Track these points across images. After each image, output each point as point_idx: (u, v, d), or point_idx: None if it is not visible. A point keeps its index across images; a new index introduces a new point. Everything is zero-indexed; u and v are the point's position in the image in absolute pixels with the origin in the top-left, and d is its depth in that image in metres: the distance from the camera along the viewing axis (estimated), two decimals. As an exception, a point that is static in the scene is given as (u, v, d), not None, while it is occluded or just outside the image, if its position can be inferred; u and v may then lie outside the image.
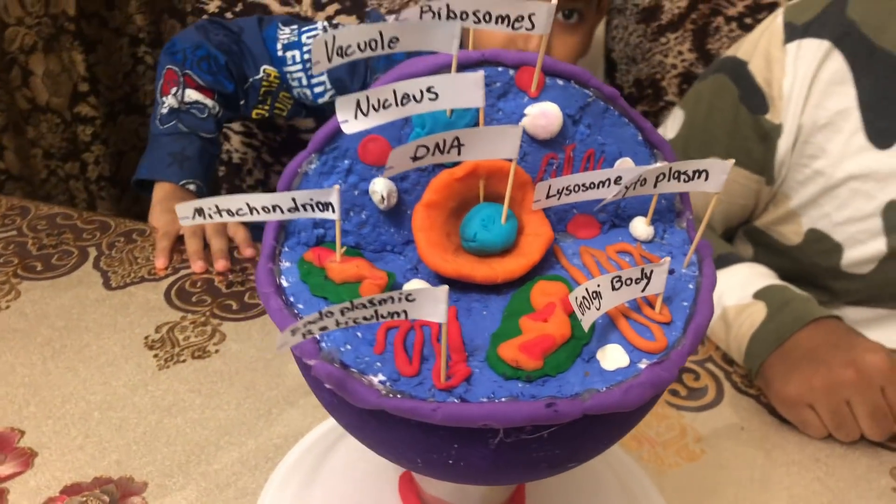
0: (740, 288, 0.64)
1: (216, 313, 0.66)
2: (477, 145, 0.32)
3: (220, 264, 0.71)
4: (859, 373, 0.55)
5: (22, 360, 0.60)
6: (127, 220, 0.79)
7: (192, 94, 0.86)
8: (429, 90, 0.32)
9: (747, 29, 0.99)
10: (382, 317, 0.29)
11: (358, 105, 0.31)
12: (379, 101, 0.31)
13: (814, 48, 0.67)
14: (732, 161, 0.33)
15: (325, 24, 0.90)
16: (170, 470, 0.51)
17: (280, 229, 0.37)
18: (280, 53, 0.88)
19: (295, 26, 0.89)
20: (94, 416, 0.55)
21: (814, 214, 0.72)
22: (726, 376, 0.63)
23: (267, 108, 0.91)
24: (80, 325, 0.64)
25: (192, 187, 0.83)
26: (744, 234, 0.81)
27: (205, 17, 0.97)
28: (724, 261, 0.68)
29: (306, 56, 0.87)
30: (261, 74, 0.89)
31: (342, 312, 0.29)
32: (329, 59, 0.31)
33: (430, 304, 0.29)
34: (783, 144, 0.70)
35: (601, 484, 0.51)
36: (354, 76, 0.87)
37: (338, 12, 1.01)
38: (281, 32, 0.89)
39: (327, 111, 0.93)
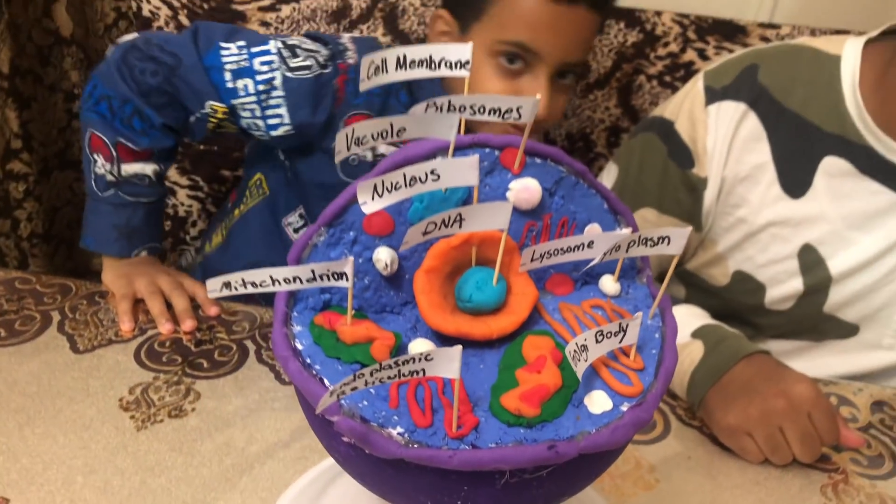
0: (678, 328, 0.70)
1: (188, 372, 0.67)
2: (475, 219, 0.37)
3: (188, 324, 0.72)
4: (789, 402, 0.61)
5: (-3, 427, 0.60)
6: (87, 282, 0.79)
7: (128, 169, 0.81)
8: (432, 172, 0.36)
9: (666, 86, 1.09)
10: (404, 375, 0.33)
11: (375, 188, 0.35)
12: (392, 184, 0.35)
13: (732, 110, 0.76)
14: (690, 228, 0.39)
15: (279, 44, 0.82)
16: (160, 529, 0.52)
17: (290, 296, 0.40)
18: (230, 84, 0.80)
19: (242, 44, 0.81)
20: (78, 481, 0.55)
21: (738, 257, 0.80)
22: (671, 410, 0.69)
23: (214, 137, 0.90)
24: (51, 390, 0.64)
25: (143, 253, 0.83)
26: (677, 277, 0.89)
27: (127, 38, 0.83)
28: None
29: (261, 87, 0.80)
30: (206, 110, 0.81)
31: (371, 374, 0.32)
32: (348, 148, 0.35)
33: (446, 363, 0.33)
34: (709, 195, 0.78)
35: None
36: (318, 111, 0.83)
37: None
38: (226, 56, 0.80)
39: (278, 143, 0.88)
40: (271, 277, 0.36)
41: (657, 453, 0.64)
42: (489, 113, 0.37)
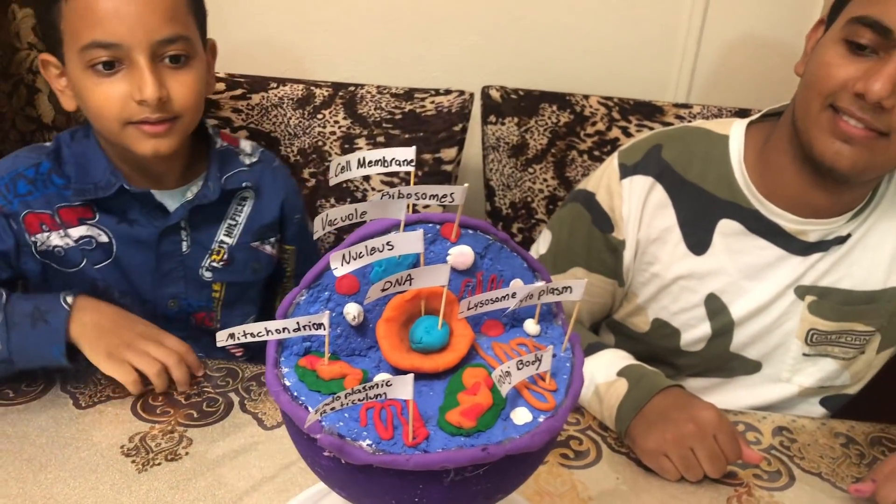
0: (606, 368, 0.82)
1: (181, 422, 0.77)
2: (422, 278, 0.48)
3: (183, 388, 0.81)
4: (698, 426, 0.73)
5: (13, 475, 0.68)
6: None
7: None
8: (388, 244, 0.48)
9: (595, 160, 1.23)
10: (370, 398, 0.44)
11: (343, 257, 0.46)
12: (357, 253, 0.47)
13: (641, 182, 0.89)
14: (586, 280, 0.51)
15: None
16: (163, 554, 0.61)
17: (278, 344, 0.50)
18: None
19: None
20: (88, 517, 0.64)
21: (655, 307, 0.92)
22: (603, 440, 0.80)
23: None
24: (59, 440, 0.72)
25: (69, 298, 0.80)
26: (606, 326, 1.01)
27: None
28: (593, 348, 0.86)
29: None
30: None
31: (345, 396, 0.43)
32: (323, 228, 0.46)
33: (401, 387, 0.44)
34: (627, 255, 0.91)
35: (516, 529, 0.66)
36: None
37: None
38: None
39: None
40: (266, 329, 0.47)
41: (590, 476, 0.75)
42: (429, 198, 0.49)
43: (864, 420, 0.87)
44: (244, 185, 0.97)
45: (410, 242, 0.48)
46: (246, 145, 1.02)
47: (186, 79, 0.85)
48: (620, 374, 0.81)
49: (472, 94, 1.21)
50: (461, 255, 0.53)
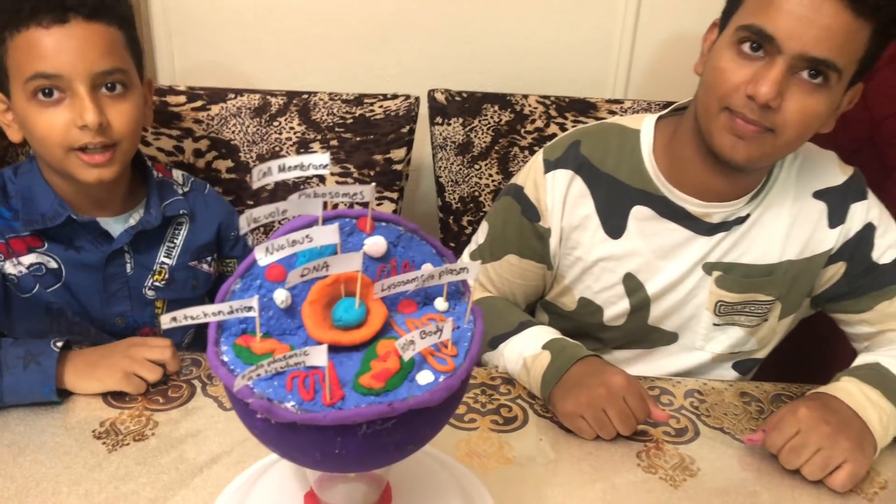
0: (533, 343, 0.91)
1: (147, 406, 0.85)
2: (337, 265, 0.56)
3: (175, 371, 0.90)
4: (608, 389, 0.82)
5: (-6, 458, 0.76)
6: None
7: None
8: (307, 237, 0.56)
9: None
10: (290, 366, 0.52)
11: (267, 249, 0.55)
12: (279, 245, 0.55)
13: (563, 176, 0.98)
14: (479, 262, 0.60)
15: None
16: (131, 519, 0.69)
17: (218, 326, 0.59)
18: None
19: None
20: (64, 491, 0.72)
21: (580, 287, 1.02)
22: (530, 406, 0.89)
23: None
24: (36, 427, 0.80)
25: (59, 345, 0.86)
26: (540, 307, 1.11)
27: None
28: (524, 326, 0.95)
29: None
30: None
31: (269, 364, 0.52)
32: (249, 225, 0.55)
33: (318, 356, 0.52)
34: (553, 241, 1.00)
35: (445, 485, 0.74)
36: None
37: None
38: None
39: None
40: (203, 312, 0.55)
41: (517, 438, 0.83)
42: (342, 196, 0.58)
43: (774, 381, 0.97)
44: (181, 212, 1.06)
45: (327, 234, 0.57)
46: (178, 176, 1.12)
47: (124, 107, 0.93)
48: (545, 346, 0.90)
49: (417, 98, 1.29)
50: (374, 244, 0.61)
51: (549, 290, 1.07)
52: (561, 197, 0.98)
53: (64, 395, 0.86)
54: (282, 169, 0.56)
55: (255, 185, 0.55)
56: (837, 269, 0.98)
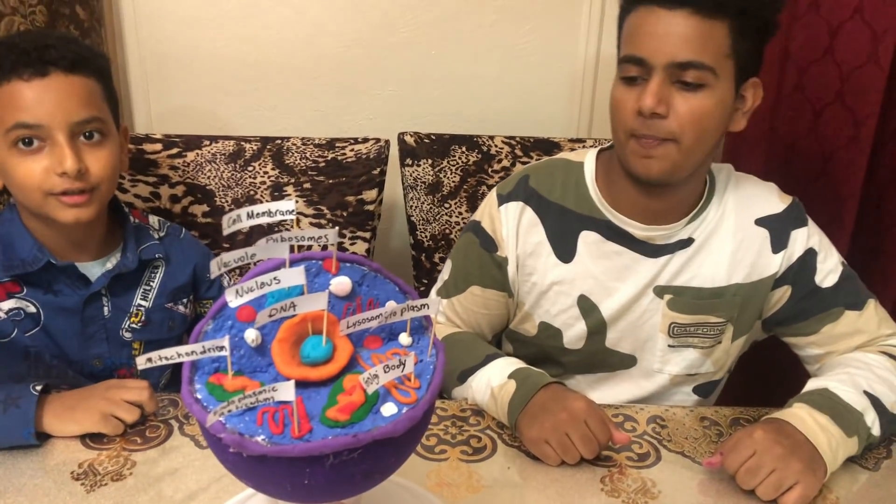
0: (499, 373, 0.95)
1: (125, 447, 0.87)
2: (304, 304, 0.60)
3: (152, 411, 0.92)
4: (570, 415, 0.86)
5: (-25, 501, 0.78)
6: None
7: None
8: (275, 279, 0.60)
9: (504, 193, 1.36)
10: (260, 402, 0.56)
11: (237, 291, 0.58)
12: (248, 287, 0.59)
13: (514, 207, 1.05)
14: (439, 298, 0.63)
15: None
16: (109, 557, 0.71)
17: (192, 365, 0.62)
18: None
19: None
20: (43, 532, 0.74)
21: (539, 312, 1.07)
22: (499, 436, 0.92)
23: None
24: (15, 471, 0.82)
25: (37, 388, 0.88)
26: (505, 336, 1.16)
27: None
28: (490, 358, 0.99)
29: None
30: None
31: (239, 400, 0.55)
32: (219, 269, 0.58)
33: (285, 391, 0.56)
34: (511, 269, 1.06)
35: (416, 515, 0.77)
36: None
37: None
38: None
39: None
40: (177, 353, 0.58)
41: (486, 467, 0.86)
42: (307, 240, 0.61)
43: (735, 405, 1.01)
44: (157, 255, 1.10)
45: (293, 276, 0.60)
46: (154, 221, 1.16)
47: (101, 154, 0.98)
48: (511, 376, 0.93)
49: (387, 141, 1.34)
50: (339, 284, 0.65)
51: (513, 319, 1.11)
52: (514, 227, 1.05)
53: (43, 437, 0.87)
54: (250, 216, 0.60)
55: (226, 232, 0.59)
56: (784, 293, 1.03)
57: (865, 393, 0.90)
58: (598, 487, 0.84)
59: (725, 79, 0.91)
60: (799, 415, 0.87)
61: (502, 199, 1.06)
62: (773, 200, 1.03)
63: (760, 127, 1.38)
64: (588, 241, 1.03)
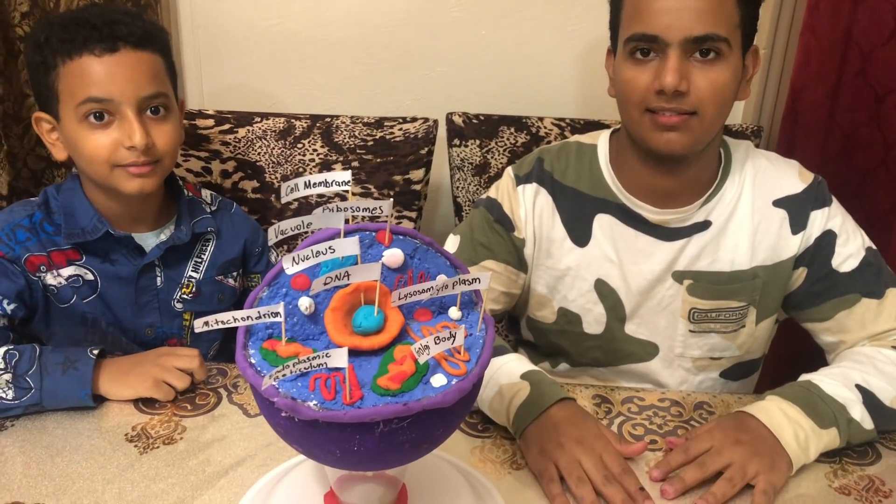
0: (509, 373, 0.89)
1: (176, 413, 0.89)
2: (357, 274, 0.61)
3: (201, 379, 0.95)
4: (585, 446, 0.80)
5: (34, 459, 0.80)
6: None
7: None
8: (330, 248, 0.60)
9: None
10: (313, 367, 0.56)
11: (293, 259, 0.59)
12: (304, 255, 0.59)
13: (531, 189, 1.04)
14: (491, 272, 0.63)
15: None
16: (161, 517, 0.73)
17: (246, 332, 0.63)
18: None
19: None
20: (98, 490, 0.76)
21: (558, 298, 1.06)
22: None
23: None
24: (73, 431, 0.85)
25: (95, 353, 0.90)
26: (526, 326, 1.14)
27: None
28: (497, 351, 0.93)
29: None
30: None
31: (294, 365, 0.56)
32: (276, 237, 0.59)
33: (339, 358, 0.56)
34: (528, 251, 1.05)
35: (459, 489, 0.77)
36: (13, 282, 0.98)
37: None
38: None
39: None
40: (233, 317, 0.59)
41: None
42: (362, 211, 0.62)
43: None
44: (209, 229, 1.12)
45: (348, 246, 0.61)
46: (206, 195, 1.18)
47: (166, 128, 1.01)
48: (524, 377, 0.88)
49: (436, 121, 1.34)
50: (392, 255, 0.65)
51: (527, 304, 1.10)
52: (531, 209, 1.04)
53: (98, 400, 0.90)
54: (308, 185, 0.61)
55: (284, 200, 0.59)
56: (800, 274, 1.01)
57: (858, 386, 0.87)
58: (643, 470, 0.83)
59: (736, 48, 0.90)
60: (766, 407, 0.85)
61: (520, 180, 1.05)
62: (792, 180, 1.00)
63: (818, 114, 1.35)
64: (603, 224, 1.02)
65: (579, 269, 1.04)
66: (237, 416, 0.89)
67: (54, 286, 1.02)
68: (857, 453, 0.87)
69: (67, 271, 1.02)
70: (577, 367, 1.11)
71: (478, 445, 0.86)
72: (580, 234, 1.03)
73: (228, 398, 0.93)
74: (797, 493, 0.81)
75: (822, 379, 0.88)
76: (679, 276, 1.01)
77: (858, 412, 0.86)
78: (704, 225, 1.00)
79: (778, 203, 0.99)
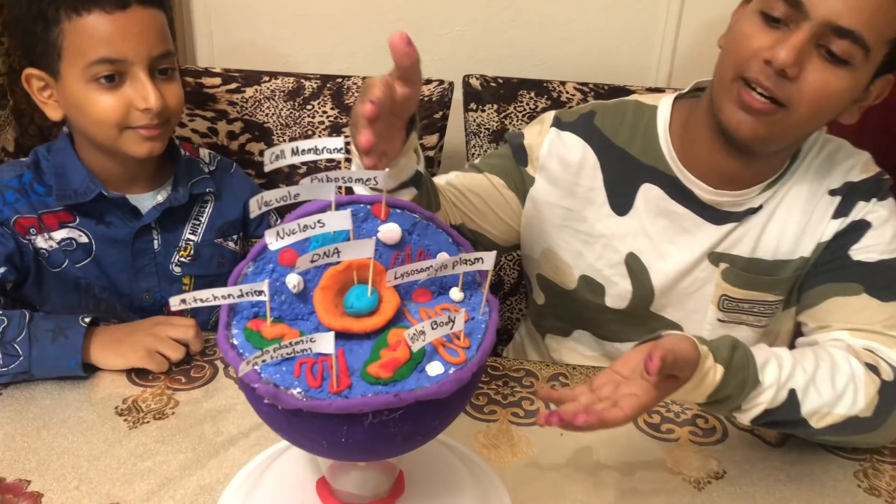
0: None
1: (169, 386, 0.85)
2: (348, 251, 0.56)
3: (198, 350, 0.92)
4: None
5: (20, 431, 0.77)
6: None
7: None
8: (319, 222, 0.55)
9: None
10: (297, 352, 0.52)
11: (278, 233, 0.54)
12: (291, 230, 0.54)
13: (574, 141, 0.96)
14: (495, 252, 0.58)
15: None
16: (147, 496, 0.70)
17: (230, 310, 0.58)
18: None
19: None
20: (84, 465, 0.73)
21: (581, 264, 0.99)
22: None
23: None
24: (61, 402, 0.82)
25: (87, 320, 0.87)
26: (539, 286, 1.06)
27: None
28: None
29: None
30: None
31: (275, 350, 0.51)
32: (259, 208, 0.54)
33: (325, 343, 0.52)
34: (534, 191, 0.98)
35: (460, 476, 0.73)
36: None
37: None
38: None
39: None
40: (213, 295, 0.55)
41: (538, 433, 0.82)
42: (355, 182, 0.57)
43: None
44: (208, 190, 1.07)
45: (339, 220, 0.56)
46: (204, 154, 1.13)
47: (174, 87, 0.98)
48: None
49: (451, 83, 1.28)
50: (389, 231, 0.60)
51: (539, 263, 1.04)
52: (562, 155, 0.96)
53: (90, 370, 0.87)
54: (295, 152, 0.55)
55: (268, 168, 0.54)
56: (817, 255, 0.92)
57: (791, 391, 0.75)
58: (658, 465, 0.78)
59: (871, 65, 0.79)
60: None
61: (560, 125, 0.97)
62: (854, 171, 0.91)
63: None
64: (648, 195, 0.94)
65: (612, 238, 0.97)
66: (233, 391, 0.85)
67: (45, 249, 0.98)
68: (889, 451, 0.82)
69: (60, 234, 0.99)
70: (594, 341, 1.06)
71: (482, 430, 0.82)
72: (621, 202, 0.96)
73: (225, 371, 0.89)
74: (822, 491, 0.76)
75: (761, 349, 0.77)
76: (716, 259, 0.93)
77: (768, 395, 0.74)
78: (757, 210, 0.92)
79: (834, 192, 0.91)
